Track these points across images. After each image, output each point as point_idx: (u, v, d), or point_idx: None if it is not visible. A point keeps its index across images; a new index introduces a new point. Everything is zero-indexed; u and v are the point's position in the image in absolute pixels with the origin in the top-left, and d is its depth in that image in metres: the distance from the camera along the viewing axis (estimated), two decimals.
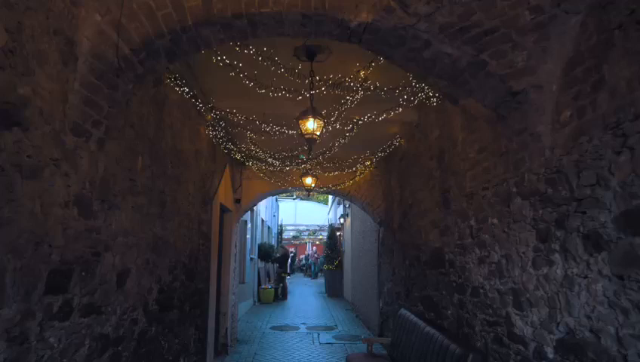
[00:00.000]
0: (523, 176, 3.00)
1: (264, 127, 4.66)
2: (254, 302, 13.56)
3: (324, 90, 3.76)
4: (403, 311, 5.65)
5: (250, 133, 4.88)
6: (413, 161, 5.99)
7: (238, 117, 4.51)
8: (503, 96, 2.94)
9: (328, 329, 9.75)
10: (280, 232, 23.76)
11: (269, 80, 3.63)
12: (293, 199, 32.77)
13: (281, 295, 15.27)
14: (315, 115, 4.25)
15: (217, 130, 5.28)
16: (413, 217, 5.94)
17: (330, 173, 7.50)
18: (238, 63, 3.42)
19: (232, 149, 5.75)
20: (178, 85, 4.25)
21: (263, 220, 16.00)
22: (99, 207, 2.82)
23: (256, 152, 5.75)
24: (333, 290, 16.61)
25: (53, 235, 2.30)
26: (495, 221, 3.41)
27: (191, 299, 5.04)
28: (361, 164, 7.21)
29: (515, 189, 3.12)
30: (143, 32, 2.68)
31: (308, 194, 7.42)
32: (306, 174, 6.93)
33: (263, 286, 14.58)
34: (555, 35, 2.59)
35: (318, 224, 31.69)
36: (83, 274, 2.59)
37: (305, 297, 16.70)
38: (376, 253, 8.73)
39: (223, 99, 4.89)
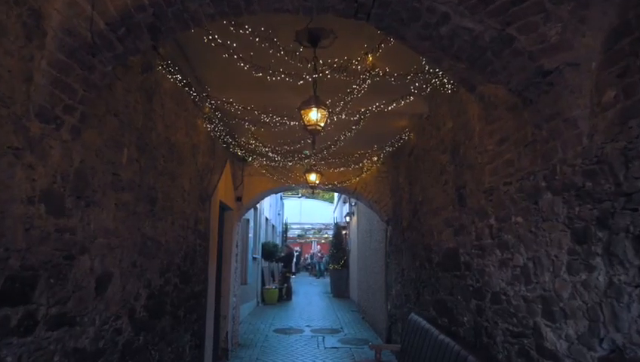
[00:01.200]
0: (554, 169, 2.63)
1: (264, 118, 4.31)
2: (258, 302, 13.25)
3: (328, 74, 3.41)
4: (414, 315, 5.30)
5: (249, 124, 4.53)
6: (424, 155, 5.63)
7: (235, 107, 4.17)
8: (531, 76, 2.57)
9: (334, 332, 9.42)
10: (285, 231, 23.43)
11: (267, 62, 3.28)
12: (299, 197, 32.55)
13: (285, 295, 14.95)
14: (319, 104, 3.90)
15: (215, 122, 4.95)
16: (424, 215, 5.58)
17: (335, 169, 7.15)
18: (232, 43, 3.08)
19: (231, 143, 5.41)
20: (170, 72, 3.92)
21: (267, 218, 15.68)
22: (73, 203, 2.50)
23: (257, 146, 5.39)
24: (339, 290, 16.28)
25: (12, 236, 1.97)
26: (519, 219, 3.05)
27: (186, 304, 4.72)
28: (368, 159, 6.85)
29: (544, 183, 2.75)
30: (120, 4, 2.35)
31: (312, 191, 7.09)
32: (309, 170, 6.58)
33: (266, 287, 14.26)
34: (595, 3, 2.23)
35: (324, 222, 31.37)
36: (51, 280, 2.26)
37: (310, 297, 16.37)
38: (384, 253, 8.38)
39: (220, 89, 4.56)
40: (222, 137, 5.33)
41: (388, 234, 8.16)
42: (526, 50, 2.48)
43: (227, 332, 7.16)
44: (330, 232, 28.54)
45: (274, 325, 10.05)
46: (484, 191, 3.65)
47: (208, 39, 3.00)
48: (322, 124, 3.99)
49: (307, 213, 31.96)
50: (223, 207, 7.07)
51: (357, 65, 3.26)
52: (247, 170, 7.82)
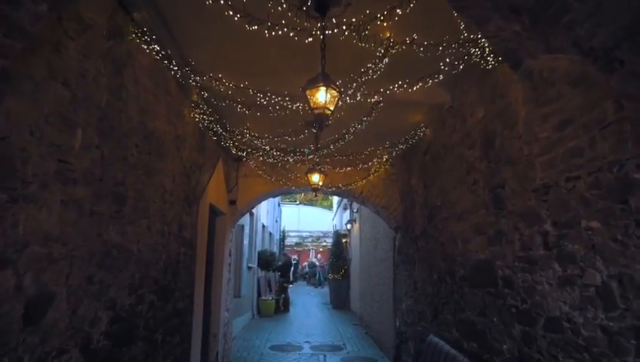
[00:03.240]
0: None
1: (260, 99, 3.58)
2: (253, 315, 12.44)
3: (345, 30, 2.69)
4: (433, 338, 4.56)
5: (242, 107, 3.80)
6: (444, 153, 4.92)
7: (226, 85, 3.43)
8: (629, 26, 1.87)
9: (335, 349, 8.63)
10: (282, 239, 22.63)
11: (264, 14, 2.55)
12: (297, 204, 31.85)
13: (282, 306, 14.14)
14: (328, 83, 3.19)
15: (202, 107, 4.23)
16: (444, 221, 4.86)
17: (340, 169, 6.41)
18: None
19: (222, 134, 4.65)
20: (146, 42, 3.20)
21: (263, 225, 14.90)
22: None
23: (252, 138, 4.60)
24: (339, 302, 15.48)
25: None
26: (595, 224, 2.33)
27: (166, 325, 3.96)
28: (378, 158, 6.13)
29: (638, 175, 2.03)
30: None
31: (315, 194, 6.36)
32: (312, 170, 5.84)
33: (263, 298, 13.46)
34: None
35: (322, 230, 30.57)
36: None
37: (308, 309, 15.57)
38: (392, 263, 7.63)
39: (208, 69, 3.85)
40: (211, 126, 4.58)
41: (396, 242, 7.42)
42: None
43: (217, 353, 6.38)
44: (329, 240, 27.69)
45: (270, 341, 9.26)
46: (535, 190, 2.93)
47: None
48: (332, 108, 3.28)
49: (305, 221, 31.16)
50: (215, 212, 6.34)
51: (382, 22, 2.53)
52: (242, 170, 7.09)
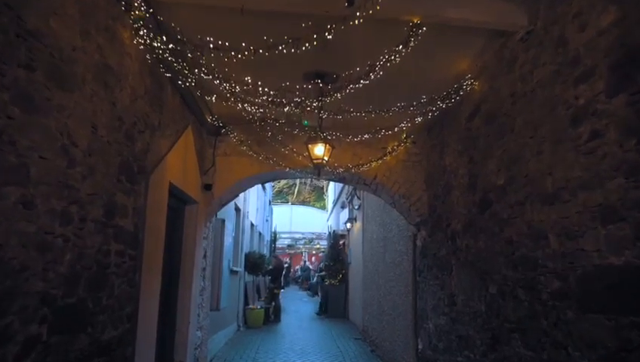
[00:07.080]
0: None
1: None
2: (239, 326, 10.75)
3: None
4: None
5: None
6: (512, 105, 3.35)
7: None
8: None
9: None
10: (273, 240, 20.94)
11: None
12: (291, 204, 30.34)
13: (273, 315, 12.47)
14: None
15: (146, 15, 2.62)
16: (515, 208, 3.28)
17: (354, 138, 4.80)
18: None
19: (175, 61, 2.91)
20: None
21: (252, 224, 13.23)
22: None
23: (223, 58, 2.74)
24: (336, 310, 13.85)
25: None
26: None
27: None
28: (406, 123, 4.53)
29: None
30: None
31: (318, 174, 4.73)
32: (314, 140, 4.22)
33: (250, 306, 11.79)
34: None
35: (315, 231, 28.95)
36: None
37: (301, 318, 13.90)
38: (411, 268, 6.05)
39: None
40: (162, 53, 2.93)
41: (418, 242, 5.85)
42: None
43: None
44: (323, 242, 26.01)
45: (257, 361, 7.61)
46: None
47: None
48: None
49: (297, 222, 29.54)
50: (181, 198, 4.72)
51: None
52: (222, 147, 5.47)
